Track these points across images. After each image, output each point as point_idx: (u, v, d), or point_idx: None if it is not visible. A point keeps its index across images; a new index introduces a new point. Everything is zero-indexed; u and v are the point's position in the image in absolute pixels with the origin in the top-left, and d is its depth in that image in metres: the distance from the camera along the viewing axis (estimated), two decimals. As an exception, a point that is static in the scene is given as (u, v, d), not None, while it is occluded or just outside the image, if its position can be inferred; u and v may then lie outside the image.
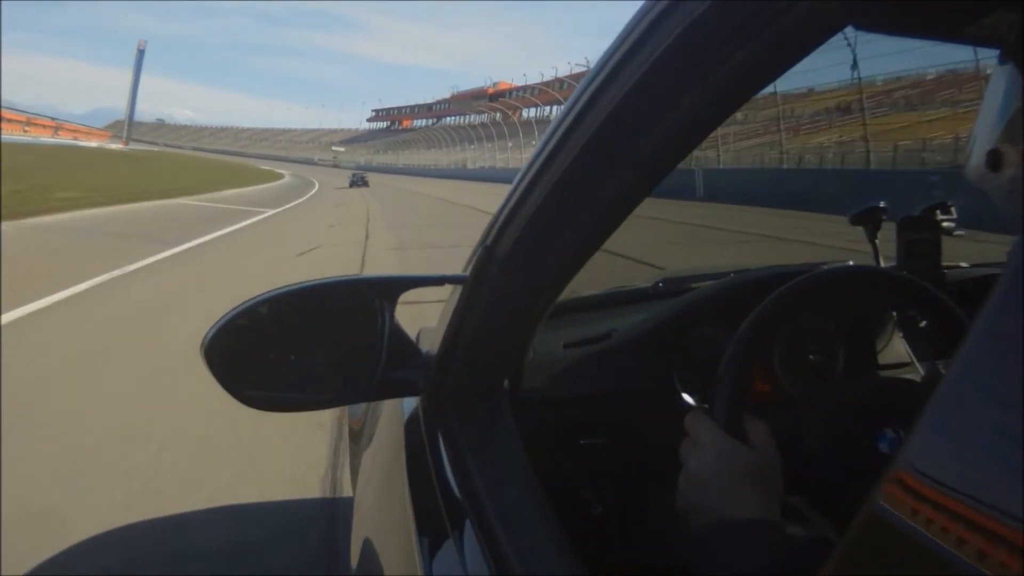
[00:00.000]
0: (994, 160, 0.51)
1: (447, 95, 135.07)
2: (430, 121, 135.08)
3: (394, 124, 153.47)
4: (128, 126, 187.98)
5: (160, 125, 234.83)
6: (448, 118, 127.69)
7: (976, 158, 0.53)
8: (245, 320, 0.71)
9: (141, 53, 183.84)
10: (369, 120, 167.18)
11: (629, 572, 0.88)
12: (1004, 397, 0.25)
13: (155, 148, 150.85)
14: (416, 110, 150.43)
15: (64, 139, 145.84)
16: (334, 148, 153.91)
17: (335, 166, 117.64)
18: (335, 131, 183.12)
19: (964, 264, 1.28)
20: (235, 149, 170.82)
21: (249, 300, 0.72)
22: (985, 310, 0.27)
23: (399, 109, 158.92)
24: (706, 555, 0.59)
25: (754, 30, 0.44)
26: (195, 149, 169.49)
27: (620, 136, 0.55)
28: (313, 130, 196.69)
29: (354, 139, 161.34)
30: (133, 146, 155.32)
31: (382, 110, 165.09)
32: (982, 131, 0.53)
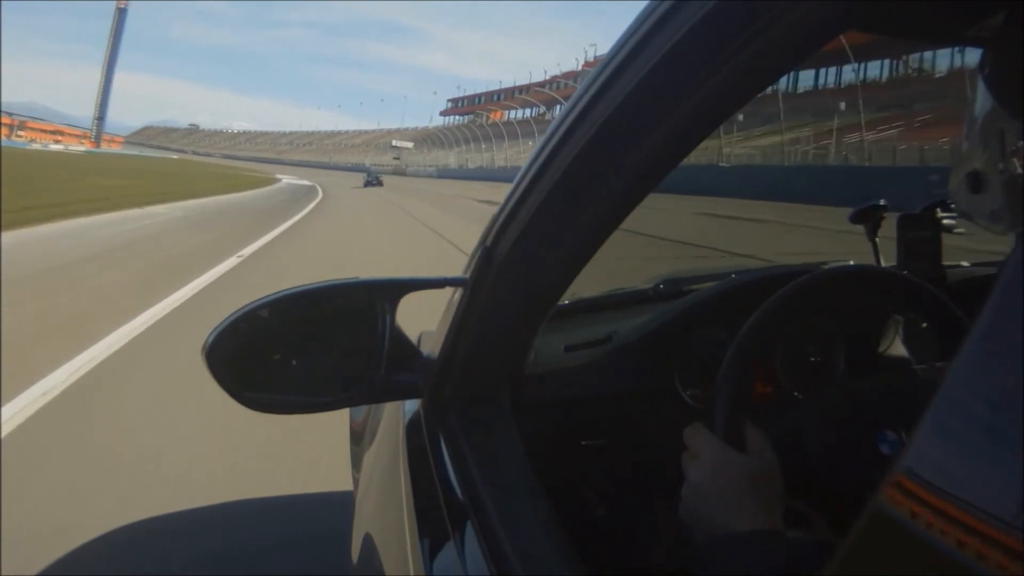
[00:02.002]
0: (975, 182, 0.51)
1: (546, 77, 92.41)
2: (529, 111, 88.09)
3: (479, 117, 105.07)
4: (98, 120, 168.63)
5: (193, 131, 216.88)
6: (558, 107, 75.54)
7: (958, 180, 0.53)
8: (246, 323, 0.71)
9: (122, 13, 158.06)
10: (444, 113, 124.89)
11: (630, 573, 0.87)
12: (1004, 398, 0.25)
13: (153, 154, 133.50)
14: (508, 94, 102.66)
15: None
16: (396, 144, 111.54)
17: (401, 173, 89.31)
18: (396, 131, 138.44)
19: (965, 263, 1.28)
20: (272, 156, 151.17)
21: (250, 304, 0.72)
22: (985, 311, 0.27)
23: (485, 96, 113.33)
24: (708, 564, 0.59)
25: (756, 31, 0.44)
26: (225, 156, 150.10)
27: (621, 136, 0.55)
28: (367, 131, 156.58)
29: (424, 139, 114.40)
30: (130, 150, 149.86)
31: (461, 99, 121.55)
32: (964, 153, 0.53)
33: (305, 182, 43.47)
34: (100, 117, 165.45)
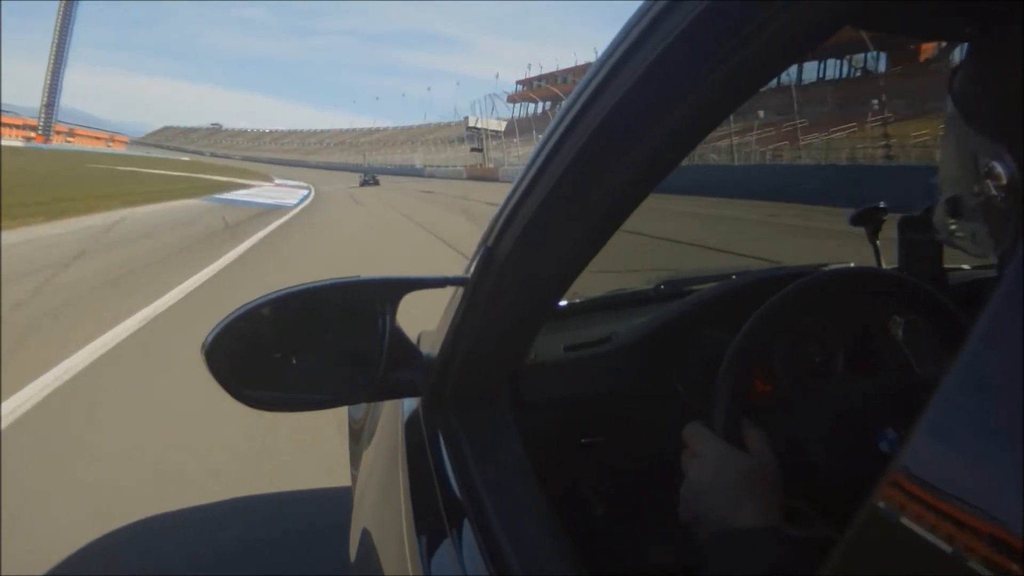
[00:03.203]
0: (954, 207, 0.51)
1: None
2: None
3: (555, 104, 64.81)
4: (45, 110, 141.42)
5: (215, 130, 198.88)
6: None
7: (940, 208, 0.53)
8: (247, 322, 0.71)
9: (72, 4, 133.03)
10: (513, 99, 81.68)
11: (629, 573, 0.87)
12: (1004, 399, 0.25)
13: (161, 155, 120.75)
14: (579, 72, 57.91)
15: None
16: (479, 124, 67.13)
17: (490, 178, 48.63)
18: (446, 125, 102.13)
19: (966, 266, 1.28)
20: (297, 158, 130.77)
21: (251, 302, 0.72)
22: (985, 313, 0.27)
23: (547, 78, 79.79)
24: (708, 563, 0.60)
25: (753, 29, 0.44)
26: (244, 158, 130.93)
27: (620, 136, 0.55)
28: (411, 127, 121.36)
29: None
30: (135, 151, 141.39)
31: (535, 80, 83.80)
32: (943, 180, 0.53)
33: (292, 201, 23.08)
34: (48, 104, 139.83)
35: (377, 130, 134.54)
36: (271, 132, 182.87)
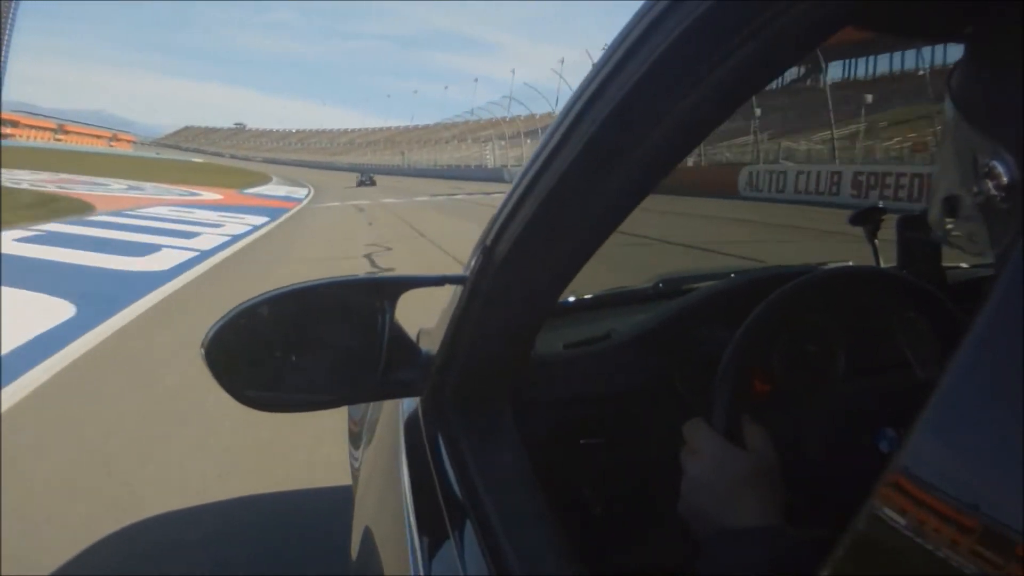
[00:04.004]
0: (951, 206, 0.51)
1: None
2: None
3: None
4: None
5: (239, 130, 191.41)
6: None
7: (935, 208, 0.53)
8: (245, 320, 0.71)
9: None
10: None
11: (629, 572, 0.88)
12: (1002, 398, 0.25)
13: (174, 157, 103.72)
14: None
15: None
16: None
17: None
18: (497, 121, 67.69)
19: (964, 264, 1.28)
20: (324, 159, 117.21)
21: (249, 300, 0.72)
22: (983, 311, 0.27)
23: None
24: (708, 561, 0.60)
25: (754, 29, 0.44)
26: (267, 161, 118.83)
27: (620, 135, 0.55)
28: (457, 123, 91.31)
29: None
30: (143, 152, 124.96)
31: None
32: (939, 179, 0.53)
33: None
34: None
35: (415, 128, 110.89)
36: (297, 132, 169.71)
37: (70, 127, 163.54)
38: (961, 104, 0.49)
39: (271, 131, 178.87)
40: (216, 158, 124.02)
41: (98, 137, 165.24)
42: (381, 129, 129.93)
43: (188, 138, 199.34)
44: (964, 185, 0.49)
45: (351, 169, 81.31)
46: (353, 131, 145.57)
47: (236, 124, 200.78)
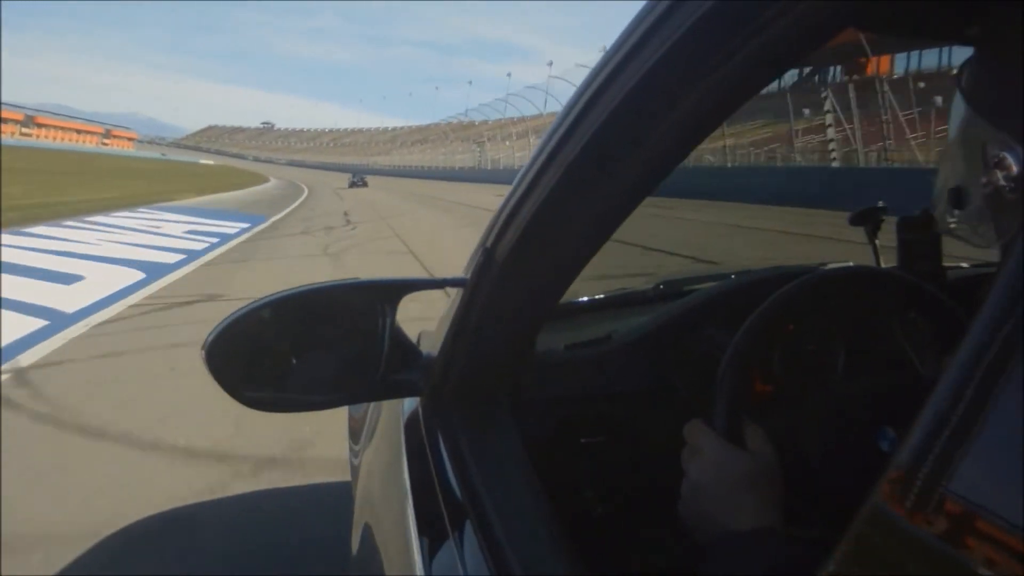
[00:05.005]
0: (957, 197, 0.52)
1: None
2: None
3: None
4: None
5: (266, 130, 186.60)
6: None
7: (941, 200, 0.54)
8: (247, 323, 0.71)
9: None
10: None
11: (630, 573, 0.88)
12: (1003, 397, 0.25)
13: (181, 158, 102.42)
14: None
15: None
16: None
17: None
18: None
19: (964, 264, 1.28)
20: (356, 161, 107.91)
21: (251, 303, 0.72)
22: (983, 310, 0.27)
23: None
24: (708, 562, 0.60)
25: (754, 30, 0.44)
26: (289, 164, 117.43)
27: (621, 136, 0.55)
28: (518, 119, 73.44)
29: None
30: (144, 152, 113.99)
31: None
32: (945, 172, 0.54)
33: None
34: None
35: (469, 125, 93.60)
36: (331, 131, 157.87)
37: (42, 119, 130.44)
38: (971, 98, 0.50)
39: (302, 131, 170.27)
40: (236, 159, 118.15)
41: (90, 133, 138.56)
42: (427, 127, 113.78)
43: (211, 138, 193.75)
44: (971, 177, 0.49)
45: (392, 173, 73.24)
46: (394, 130, 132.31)
47: (264, 123, 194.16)
